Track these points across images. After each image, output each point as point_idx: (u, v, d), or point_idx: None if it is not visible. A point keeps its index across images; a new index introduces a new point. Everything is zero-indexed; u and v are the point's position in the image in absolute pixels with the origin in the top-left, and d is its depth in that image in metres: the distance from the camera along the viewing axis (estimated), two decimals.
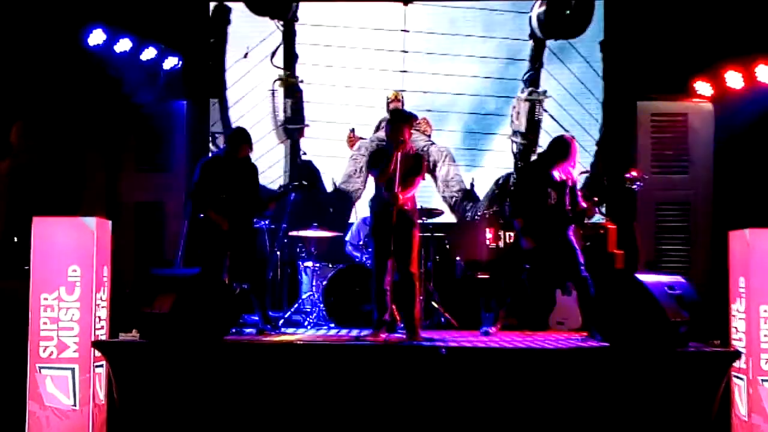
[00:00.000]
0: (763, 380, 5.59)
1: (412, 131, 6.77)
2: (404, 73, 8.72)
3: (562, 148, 6.97)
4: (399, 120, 6.71)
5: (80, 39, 8.44)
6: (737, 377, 5.79)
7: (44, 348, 5.78)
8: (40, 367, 5.78)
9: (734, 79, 8.60)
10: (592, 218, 7.21)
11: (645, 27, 9.09)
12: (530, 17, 7.46)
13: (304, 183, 7.46)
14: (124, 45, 8.63)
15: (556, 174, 6.94)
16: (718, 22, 8.62)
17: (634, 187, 6.95)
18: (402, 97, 9.05)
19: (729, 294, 5.95)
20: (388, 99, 9.40)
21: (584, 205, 6.98)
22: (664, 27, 9.00)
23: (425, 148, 8.88)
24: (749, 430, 5.63)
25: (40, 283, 5.83)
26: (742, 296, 5.75)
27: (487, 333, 7.02)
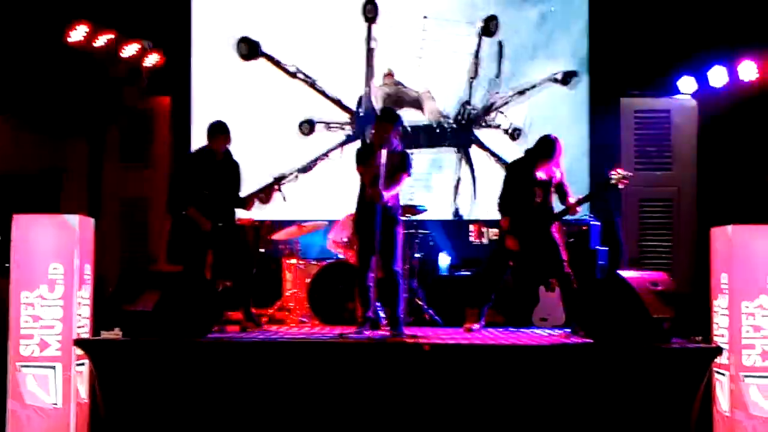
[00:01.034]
0: (744, 376, 5.61)
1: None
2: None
3: (546, 147, 6.98)
4: (385, 119, 6.72)
5: (62, 35, 8.39)
6: (719, 373, 5.81)
7: (25, 346, 5.73)
8: (21, 366, 5.73)
9: (717, 76, 8.63)
10: (575, 215, 7.23)
11: (629, 24, 9.12)
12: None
13: (286, 175, 7.44)
14: (106, 41, 8.59)
15: (540, 173, 6.96)
16: (702, 19, 8.65)
17: (619, 185, 6.97)
18: (394, 73, 9.81)
19: (711, 290, 5.97)
20: (384, 74, 9.73)
21: (572, 201, 7.00)
22: (647, 24, 9.03)
23: (417, 93, 9.75)
24: (731, 426, 5.65)
25: (20, 281, 5.78)
26: (725, 292, 5.77)
27: (470, 330, 7.03)
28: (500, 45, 9.73)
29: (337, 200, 9.11)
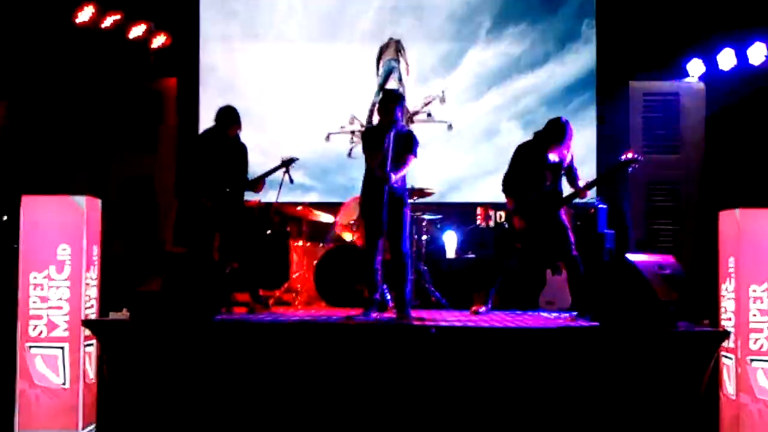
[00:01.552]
0: (751, 360, 5.62)
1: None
2: None
3: (557, 130, 6.94)
4: (390, 101, 6.68)
5: (69, 15, 8.37)
6: (726, 356, 5.82)
7: (34, 327, 5.76)
8: (30, 346, 5.76)
9: (726, 59, 8.59)
10: (584, 199, 7.22)
11: (637, 6, 9.07)
12: None
13: (294, 158, 7.43)
14: (112, 22, 8.57)
15: (552, 156, 6.94)
16: (711, 1, 8.60)
17: (629, 169, 6.96)
18: None
19: (719, 274, 5.96)
20: None
21: (581, 185, 6.99)
22: (656, 6, 8.98)
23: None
24: (737, 409, 5.66)
25: (29, 262, 5.80)
26: (732, 276, 5.77)
27: (477, 312, 7.04)
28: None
29: (343, 182, 9.15)
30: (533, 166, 6.95)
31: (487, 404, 5.63)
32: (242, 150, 7.23)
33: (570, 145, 6.97)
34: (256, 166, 7.38)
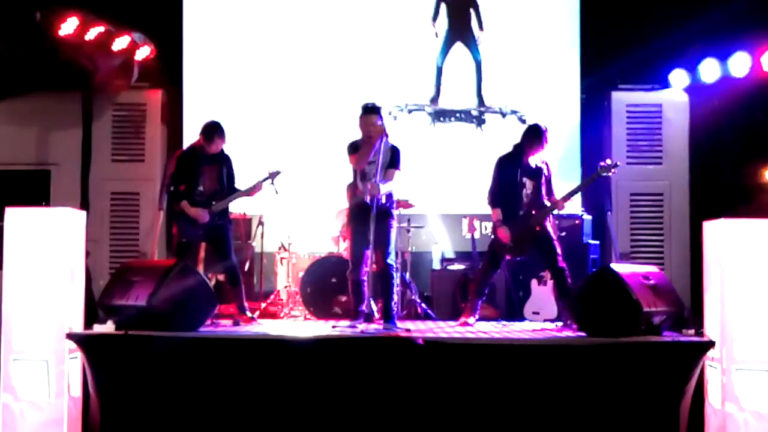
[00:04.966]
0: (736, 369, 5.63)
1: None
2: None
3: (535, 134, 7.01)
4: (371, 111, 6.68)
5: (53, 26, 8.35)
6: (711, 366, 5.84)
7: (18, 340, 5.71)
8: (14, 359, 5.71)
9: (709, 70, 8.65)
10: (561, 211, 7.24)
11: (621, 18, 9.12)
12: None
13: (278, 171, 7.43)
14: (97, 33, 8.54)
15: (531, 163, 6.99)
16: (694, 14, 8.66)
17: (610, 174, 7.01)
18: None
19: (703, 284, 5.99)
20: None
21: (556, 197, 7.02)
22: (639, 17, 9.03)
23: None
24: (722, 418, 5.67)
25: (13, 275, 5.76)
26: (717, 286, 5.79)
27: (465, 324, 7.04)
28: None
29: (328, 194, 9.13)
30: (513, 173, 6.99)
31: (475, 415, 5.62)
32: (227, 162, 7.25)
33: (547, 151, 7.02)
34: (238, 180, 7.39)
